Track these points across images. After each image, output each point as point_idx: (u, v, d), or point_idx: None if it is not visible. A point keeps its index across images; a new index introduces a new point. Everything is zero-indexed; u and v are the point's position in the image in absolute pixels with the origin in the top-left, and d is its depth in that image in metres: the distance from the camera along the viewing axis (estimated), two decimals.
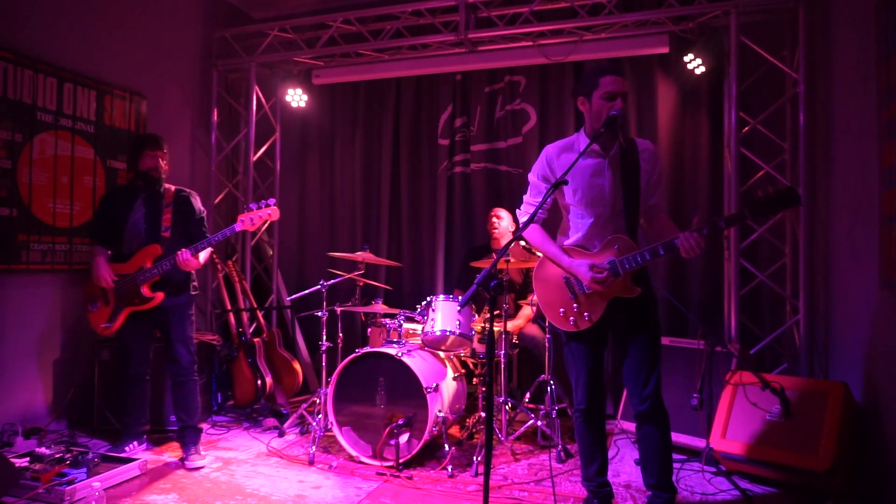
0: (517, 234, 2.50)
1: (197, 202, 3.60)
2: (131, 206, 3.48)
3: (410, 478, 3.20)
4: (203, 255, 3.39)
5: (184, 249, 3.25)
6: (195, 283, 3.59)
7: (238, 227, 3.28)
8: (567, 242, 2.64)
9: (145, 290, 3.34)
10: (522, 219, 2.69)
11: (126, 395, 3.59)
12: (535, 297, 3.02)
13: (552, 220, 2.68)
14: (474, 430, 3.85)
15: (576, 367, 2.67)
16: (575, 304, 2.55)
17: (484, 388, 3.75)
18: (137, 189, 3.51)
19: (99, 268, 3.39)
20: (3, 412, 3.62)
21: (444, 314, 3.60)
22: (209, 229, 3.61)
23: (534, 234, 2.64)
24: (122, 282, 3.37)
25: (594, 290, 2.49)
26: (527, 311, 4.32)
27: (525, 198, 2.73)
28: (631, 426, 3.76)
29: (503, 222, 4.43)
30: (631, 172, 2.49)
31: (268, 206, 3.34)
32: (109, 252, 3.50)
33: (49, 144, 3.91)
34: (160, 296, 3.36)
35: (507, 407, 3.80)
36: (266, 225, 3.40)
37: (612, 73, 2.48)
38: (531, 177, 2.67)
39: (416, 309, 3.78)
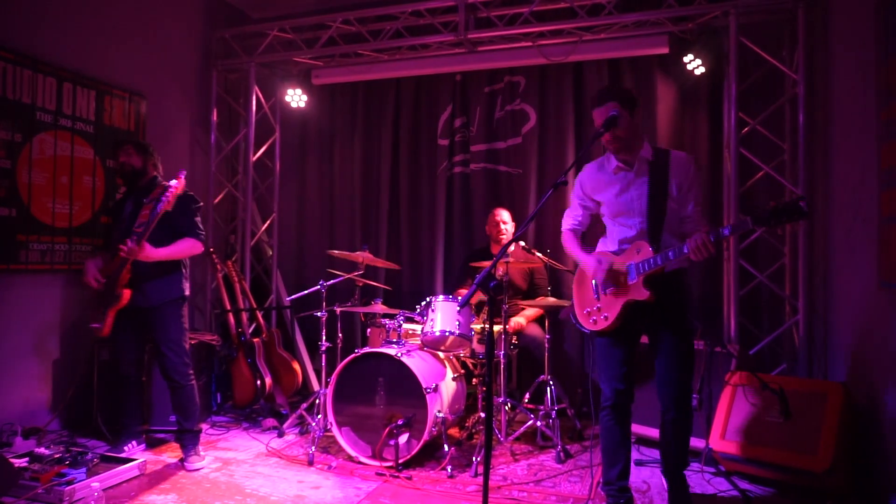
0: (516, 236, 2.52)
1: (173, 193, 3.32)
2: (123, 206, 3.50)
3: (410, 478, 3.20)
4: (166, 250, 3.25)
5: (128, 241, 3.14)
6: (182, 286, 3.49)
7: (160, 207, 3.15)
8: (601, 247, 2.82)
9: (117, 289, 3.27)
10: (563, 226, 2.93)
11: (121, 396, 3.60)
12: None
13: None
14: (474, 430, 3.85)
15: (602, 362, 2.74)
16: (597, 305, 2.71)
17: (483, 389, 3.75)
18: (130, 189, 3.54)
19: (85, 270, 3.40)
20: (2, 412, 3.62)
21: (443, 314, 3.60)
22: (210, 230, 3.56)
23: (565, 238, 2.90)
24: (107, 282, 3.33)
25: (609, 291, 2.64)
26: (529, 312, 4.32)
27: (566, 212, 2.94)
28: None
29: (508, 226, 4.43)
30: (658, 183, 2.60)
31: (177, 177, 3.21)
32: (108, 255, 3.50)
33: (48, 144, 3.90)
34: (126, 293, 3.26)
35: (506, 407, 3.80)
36: (175, 197, 3.23)
37: (594, 107, 2.61)
38: (571, 195, 2.90)
39: (416, 309, 3.78)
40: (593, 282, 2.73)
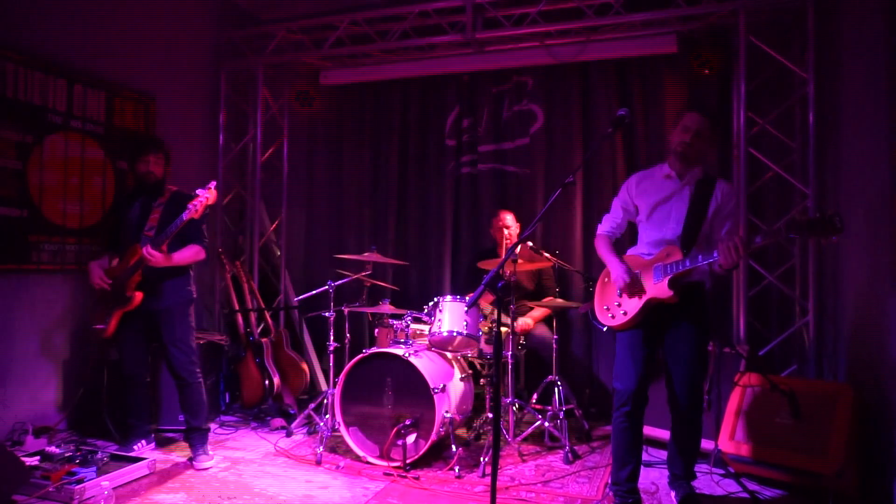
0: (523, 237, 2.52)
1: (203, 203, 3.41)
2: (130, 206, 3.52)
3: (417, 478, 3.21)
4: (179, 256, 3.33)
5: (147, 245, 3.22)
6: (191, 288, 3.54)
7: (186, 215, 3.18)
8: (630, 251, 2.91)
9: (128, 291, 3.31)
10: (599, 231, 3.01)
11: (127, 396, 3.62)
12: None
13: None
14: (481, 430, 3.85)
15: (620, 361, 2.78)
16: (618, 301, 2.80)
17: (491, 389, 3.75)
18: (138, 190, 3.55)
19: (90, 272, 3.42)
20: (14, 411, 3.65)
21: (451, 315, 3.60)
22: (219, 231, 3.59)
23: (598, 241, 2.97)
24: (114, 283, 3.36)
25: (626, 292, 2.74)
26: (537, 313, 4.32)
27: (605, 216, 3.02)
28: None
29: (512, 229, 4.42)
30: (699, 201, 2.72)
31: (207, 188, 3.22)
32: (114, 256, 3.53)
33: (59, 146, 3.93)
34: (138, 296, 3.30)
35: (514, 408, 3.80)
36: (206, 208, 3.23)
37: (693, 111, 2.73)
38: (614, 200, 2.99)
39: (424, 309, 3.78)
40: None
